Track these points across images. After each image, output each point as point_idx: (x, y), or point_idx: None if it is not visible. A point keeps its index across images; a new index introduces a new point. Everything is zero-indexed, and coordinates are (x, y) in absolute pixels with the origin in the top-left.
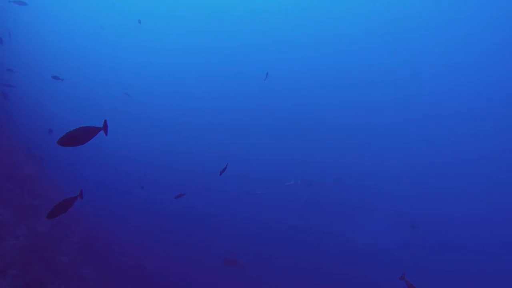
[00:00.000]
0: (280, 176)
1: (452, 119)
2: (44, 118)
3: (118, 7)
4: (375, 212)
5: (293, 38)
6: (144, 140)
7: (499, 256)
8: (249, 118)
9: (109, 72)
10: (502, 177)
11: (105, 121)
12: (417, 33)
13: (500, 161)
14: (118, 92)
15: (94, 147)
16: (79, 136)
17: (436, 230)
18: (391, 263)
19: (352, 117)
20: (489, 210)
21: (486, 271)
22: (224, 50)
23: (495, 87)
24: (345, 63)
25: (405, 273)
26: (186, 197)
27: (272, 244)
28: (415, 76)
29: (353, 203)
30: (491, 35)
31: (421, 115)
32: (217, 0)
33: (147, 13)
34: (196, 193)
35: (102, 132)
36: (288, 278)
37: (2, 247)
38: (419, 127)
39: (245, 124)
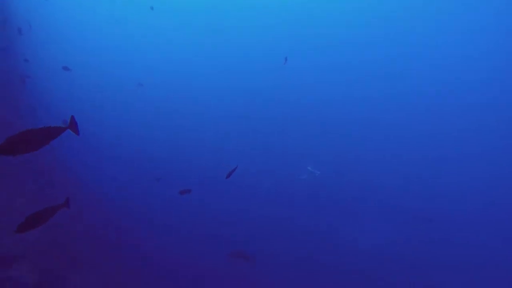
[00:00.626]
0: (284, 170)
1: (454, 114)
2: (60, 109)
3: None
4: (378, 208)
5: (296, 34)
6: (156, 134)
7: (501, 251)
8: (253, 113)
9: (122, 65)
10: (503, 172)
11: (73, 117)
12: (420, 28)
13: (502, 156)
14: (131, 85)
15: (110, 141)
16: (27, 141)
17: (438, 225)
18: (393, 258)
19: (354, 112)
20: (491, 205)
21: (488, 266)
22: (231, 46)
23: (497, 81)
24: (347, 59)
25: None
26: (197, 192)
27: (275, 239)
28: (417, 71)
29: (356, 199)
30: (493, 31)
31: (423, 110)
32: None
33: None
34: (205, 187)
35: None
36: (290, 275)
37: (22, 235)
38: (422, 122)
39: (250, 119)
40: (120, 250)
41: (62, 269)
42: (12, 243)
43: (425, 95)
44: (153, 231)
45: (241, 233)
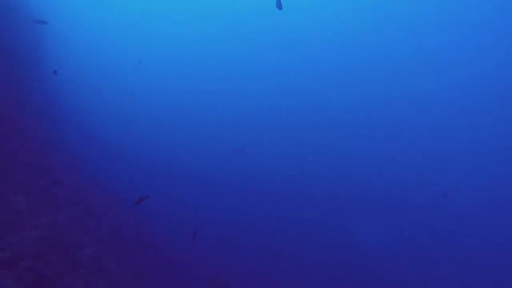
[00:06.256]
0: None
1: (455, 115)
2: (69, 110)
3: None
4: (379, 207)
5: (297, 38)
6: (165, 137)
7: (503, 250)
8: (251, 115)
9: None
10: (504, 171)
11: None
12: (420, 29)
13: (502, 156)
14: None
15: (120, 140)
16: None
17: (439, 224)
18: (395, 257)
19: (354, 111)
20: (492, 203)
21: (489, 264)
22: (231, 49)
23: (497, 82)
24: (351, 59)
25: None
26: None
27: (276, 239)
28: (420, 71)
29: (357, 197)
30: (491, 33)
31: (422, 109)
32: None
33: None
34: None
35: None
36: (293, 274)
37: (17, 237)
38: (423, 123)
39: (247, 120)
40: (135, 255)
41: (61, 275)
42: (7, 244)
43: (421, 94)
44: (159, 235)
45: (242, 231)
